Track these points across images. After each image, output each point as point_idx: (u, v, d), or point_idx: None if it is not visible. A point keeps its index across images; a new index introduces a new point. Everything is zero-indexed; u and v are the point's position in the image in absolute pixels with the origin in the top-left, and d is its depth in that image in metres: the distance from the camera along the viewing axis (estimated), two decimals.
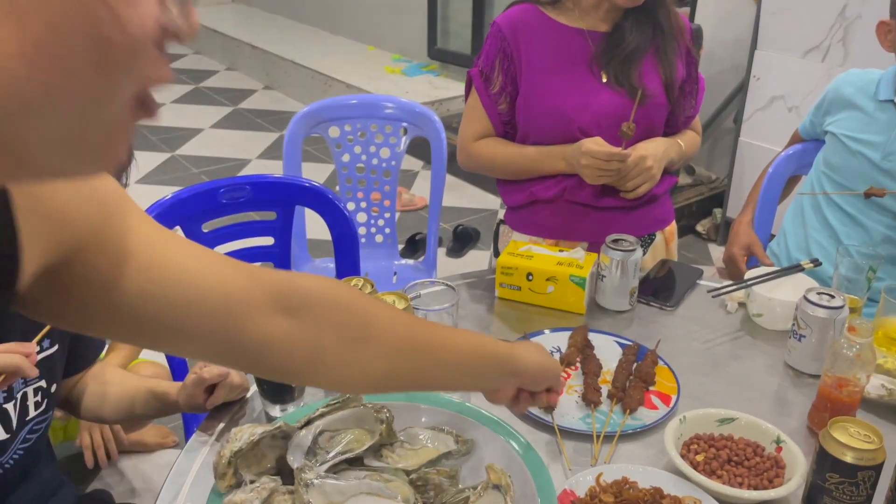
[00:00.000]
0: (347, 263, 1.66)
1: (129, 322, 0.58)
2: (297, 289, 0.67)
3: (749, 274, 1.35)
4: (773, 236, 1.88)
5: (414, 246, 3.25)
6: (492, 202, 3.83)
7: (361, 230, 2.25)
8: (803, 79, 2.84)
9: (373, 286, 1.20)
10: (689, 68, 1.48)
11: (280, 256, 1.70)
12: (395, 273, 2.22)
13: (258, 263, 1.70)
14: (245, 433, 0.89)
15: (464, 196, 3.77)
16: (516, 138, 1.52)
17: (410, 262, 2.32)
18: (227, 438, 0.90)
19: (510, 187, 1.56)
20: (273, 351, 0.65)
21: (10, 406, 0.98)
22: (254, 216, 1.76)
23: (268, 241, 1.69)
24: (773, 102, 2.97)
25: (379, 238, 2.30)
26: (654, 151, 1.40)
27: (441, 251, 3.36)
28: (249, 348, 0.63)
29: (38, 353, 1.01)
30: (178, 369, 1.48)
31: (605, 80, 1.44)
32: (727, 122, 3.44)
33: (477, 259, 3.34)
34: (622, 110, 1.41)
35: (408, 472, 0.88)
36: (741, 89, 3.15)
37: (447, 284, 1.24)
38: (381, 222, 2.29)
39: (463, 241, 3.43)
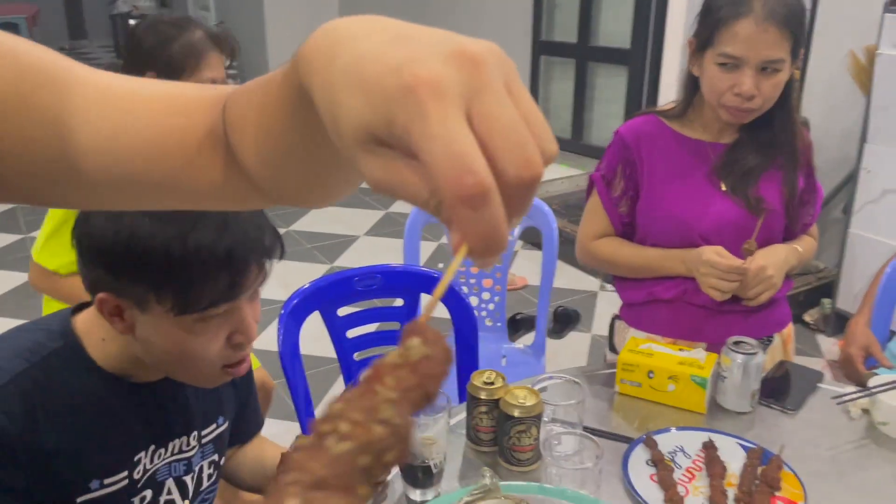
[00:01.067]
0: (468, 353, 1.75)
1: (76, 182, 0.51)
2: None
3: (874, 381, 1.36)
4: (893, 334, 1.86)
5: (515, 326, 3.32)
6: (590, 283, 3.88)
7: None
8: None
9: (504, 380, 1.29)
10: (809, 179, 1.54)
11: None
12: (505, 356, 2.30)
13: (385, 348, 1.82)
14: None
15: (562, 276, 3.84)
16: (635, 238, 1.60)
17: (519, 346, 2.39)
18: None
19: (628, 284, 1.63)
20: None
21: (188, 478, 1.10)
22: (381, 302, 1.90)
23: (394, 325, 1.80)
24: (886, 196, 2.94)
25: (489, 322, 2.39)
26: (774, 260, 1.45)
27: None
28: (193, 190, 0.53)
29: (214, 430, 1.14)
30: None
31: (724, 188, 1.51)
32: (835, 212, 3.41)
33: (577, 340, 3.38)
34: (742, 219, 1.47)
35: None
36: (850, 180, 3.14)
37: (573, 380, 1.31)
38: (490, 306, 2.39)
39: (563, 322, 3.48)
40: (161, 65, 1.68)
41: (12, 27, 10.35)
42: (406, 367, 0.33)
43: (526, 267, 4.00)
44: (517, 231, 2.31)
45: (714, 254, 1.42)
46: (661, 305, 1.57)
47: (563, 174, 4.54)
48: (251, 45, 7.14)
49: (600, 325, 3.49)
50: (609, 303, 3.68)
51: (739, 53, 1.37)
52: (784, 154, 1.49)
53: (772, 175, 1.51)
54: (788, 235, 1.57)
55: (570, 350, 3.30)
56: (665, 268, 1.53)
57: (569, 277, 3.87)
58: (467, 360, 1.76)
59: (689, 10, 3.94)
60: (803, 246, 1.56)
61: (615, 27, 4.36)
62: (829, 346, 3.22)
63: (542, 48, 4.80)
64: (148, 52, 1.70)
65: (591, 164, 4.53)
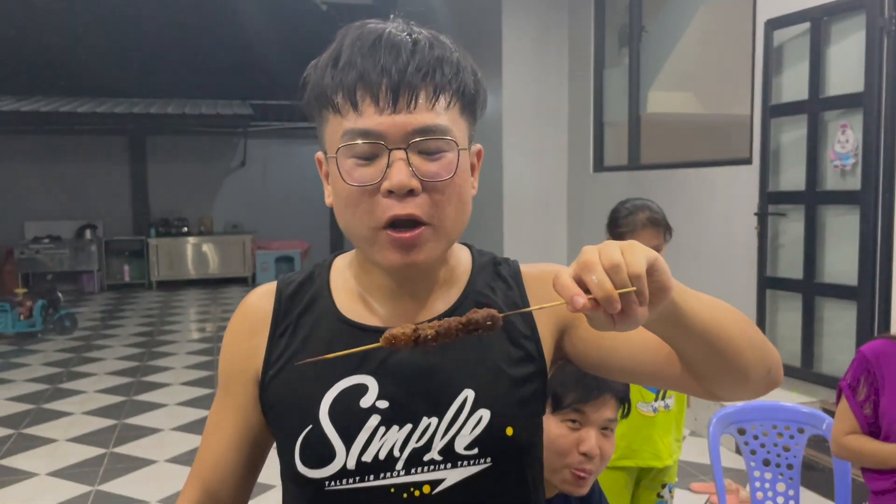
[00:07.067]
0: None
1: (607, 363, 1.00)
2: None
3: None
4: None
5: None
6: None
7: None
8: None
9: None
10: None
11: None
12: None
13: None
14: None
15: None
16: (881, 436, 1.98)
17: None
18: None
19: (874, 474, 1.99)
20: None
21: None
22: None
23: None
24: None
25: None
26: None
27: None
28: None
29: None
30: None
31: None
32: None
33: None
34: None
35: None
36: None
37: None
38: None
39: None
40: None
41: (289, 260, 12.57)
42: None
43: None
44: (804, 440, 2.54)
45: None
46: None
47: (795, 400, 4.73)
48: None
49: None
50: None
51: None
52: None
53: None
54: None
55: None
56: None
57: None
58: None
59: None
60: None
61: (841, 264, 4.72)
62: None
63: (768, 283, 5.22)
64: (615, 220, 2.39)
65: (821, 392, 4.70)
